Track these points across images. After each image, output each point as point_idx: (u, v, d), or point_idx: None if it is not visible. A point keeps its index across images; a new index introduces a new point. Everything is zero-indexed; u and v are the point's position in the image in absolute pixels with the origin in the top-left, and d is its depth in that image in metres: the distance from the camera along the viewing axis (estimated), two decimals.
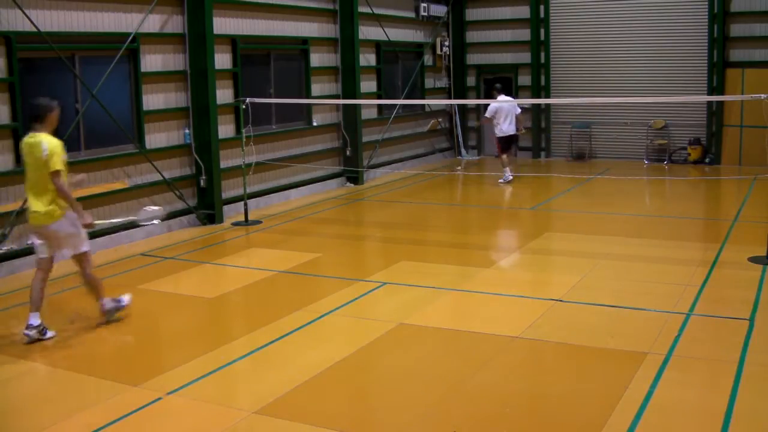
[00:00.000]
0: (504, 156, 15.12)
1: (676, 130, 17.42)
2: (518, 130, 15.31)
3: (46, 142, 6.69)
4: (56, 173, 6.64)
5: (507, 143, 15.19)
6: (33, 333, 6.74)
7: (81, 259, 6.99)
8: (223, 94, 12.34)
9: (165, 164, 11.31)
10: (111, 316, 7.21)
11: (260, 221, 11.95)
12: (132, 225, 10.43)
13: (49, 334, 6.87)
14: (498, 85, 15.67)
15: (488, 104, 15.69)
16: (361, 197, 14.38)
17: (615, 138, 18.12)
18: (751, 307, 7.18)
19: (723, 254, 9.23)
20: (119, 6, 10.54)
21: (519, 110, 15.19)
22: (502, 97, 15.16)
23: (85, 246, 6.99)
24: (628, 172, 16.12)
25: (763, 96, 8.92)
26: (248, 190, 12.16)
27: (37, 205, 6.76)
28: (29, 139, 6.83)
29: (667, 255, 9.34)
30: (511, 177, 15.06)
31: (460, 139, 19.72)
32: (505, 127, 15.01)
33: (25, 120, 9.33)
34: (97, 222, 7.52)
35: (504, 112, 14.98)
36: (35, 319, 6.77)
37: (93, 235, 10.17)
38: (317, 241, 10.60)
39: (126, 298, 7.39)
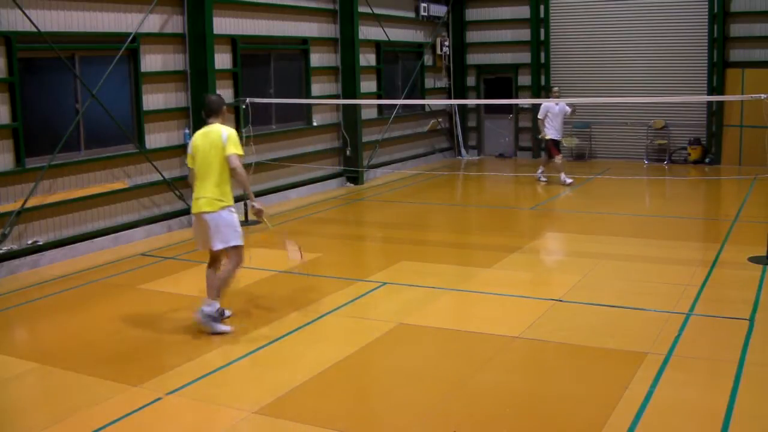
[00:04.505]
0: (558, 157, 14.70)
1: (676, 130, 17.42)
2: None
3: (225, 130, 6.95)
4: (236, 156, 6.90)
5: (558, 144, 14.90)
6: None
7: (230, 253, 7.08)
8: (223, 94, 12.24)
9: (165, 164, 11.30)
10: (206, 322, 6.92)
11: (260, 221, 11.93)
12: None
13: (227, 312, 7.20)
14: (555, 88, 15.15)
15: (489, 104, 15.79)
16: (361, 197, 14.37)
17: (615, 138, 18.11)
18: (751, 307, 7.18)
19: (723, 254, 9.23)
20: (119, 6, 10.54)
21: (569, 109, 14.75)
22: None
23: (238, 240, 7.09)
24: (628, 172, 16.11)
25: (763, 96, 8.92)
26: None
27: (204, 192, 6.94)
28: (205, 129, 7.06)
29: (667, 255, 9.34)
30: (569, 180, 14.66)
31: (460, 139, 19.72)
32: (558, 127, 14.72)
33: (26, 120, 9.36)
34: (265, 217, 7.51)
35: (556, 112, 14.63)
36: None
37: (93, 235, 10.21)
38: (317, 241, 10.58)
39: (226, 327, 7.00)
